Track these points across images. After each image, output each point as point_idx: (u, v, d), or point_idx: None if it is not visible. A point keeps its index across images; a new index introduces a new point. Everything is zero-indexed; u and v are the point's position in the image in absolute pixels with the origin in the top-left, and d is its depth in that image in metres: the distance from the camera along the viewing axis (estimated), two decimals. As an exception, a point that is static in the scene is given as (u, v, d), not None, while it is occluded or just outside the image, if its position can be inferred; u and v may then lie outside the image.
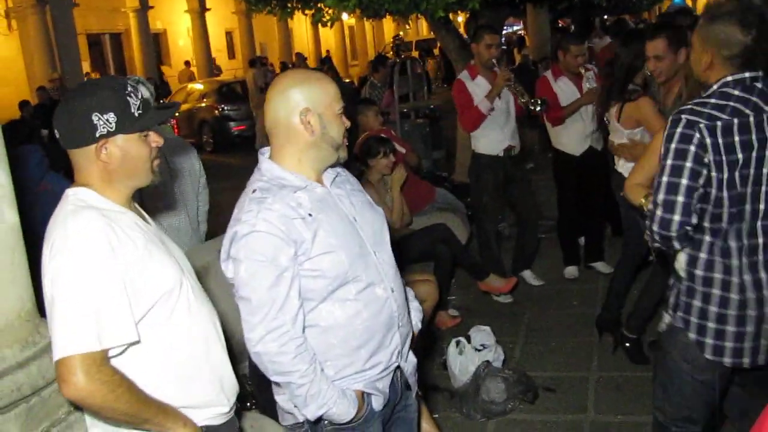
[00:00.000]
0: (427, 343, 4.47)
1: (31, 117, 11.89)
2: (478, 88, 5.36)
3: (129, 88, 1.92)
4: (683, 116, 2.35)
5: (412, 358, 2.40)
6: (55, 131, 1.92)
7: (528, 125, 6.23)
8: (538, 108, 5.29)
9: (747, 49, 2.35)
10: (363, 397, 2.20)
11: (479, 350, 4.28)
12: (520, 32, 20.60)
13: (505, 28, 12.53)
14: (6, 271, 1.95)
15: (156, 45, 24.11)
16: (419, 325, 2.44)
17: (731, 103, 2.35)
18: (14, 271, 1.99)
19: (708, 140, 2.30)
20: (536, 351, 4.64)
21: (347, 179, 2.34)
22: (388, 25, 32.82)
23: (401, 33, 28.44)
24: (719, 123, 2.31)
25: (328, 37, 31.06)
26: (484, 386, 3.96)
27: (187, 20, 24.60)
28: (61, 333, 1.77)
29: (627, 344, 4.31)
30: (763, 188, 2.37)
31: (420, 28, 31.11)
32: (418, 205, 5.48)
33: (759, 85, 2.38)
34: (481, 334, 4.42)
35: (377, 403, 2.25)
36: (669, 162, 2.35)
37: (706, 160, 2.31)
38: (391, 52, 19.82)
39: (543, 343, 4.72)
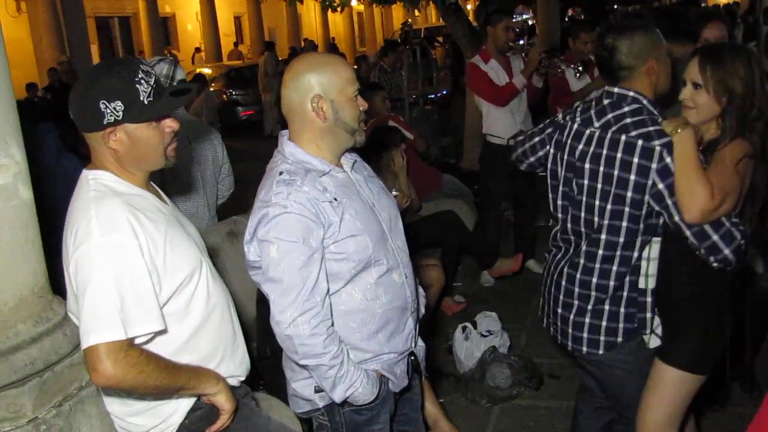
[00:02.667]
0: (432, 329, 4.48)
1: (39, 99, 11.93)
2: (491, 71, 5.38)
3: (140, 75, 1.88)
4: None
5: (422, 343, 2.44)
6: (70, 113, 1.93)
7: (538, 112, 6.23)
8: (578, 75, 5.30)
9: None
10: (381, 377, 2.23)
11: (485, 336, 4.30)
12: (530, 21, 20.50)
13: (514, 16, 12.49)
14: (20, 247, 1.97)
15: (164, 29, 24.06)
16: (423, 311, 2.47)
17: None
18: (28, 248, 2.00)
19: None
20: (542, 338, 4.63)
21: (363, 165, 2.35)
22: (398, 12, 32.69)
23: (409, 20, 28.36)
24: None
25: (337, 23, 30.99)
26: (490, 372, 3.98)
27: (195, 4, 24.53)
28: (88, 322, 1.80)
29: None
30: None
31: (429, 16, 30.99)
32: (426, 191, 5.48)
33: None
34: (488, 320, 4.44)
35: (393, 385, 2.28)
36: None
37: None
38: (400, 40, 19.74)
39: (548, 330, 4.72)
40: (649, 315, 2.53)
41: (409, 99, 8.42)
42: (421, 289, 2.48)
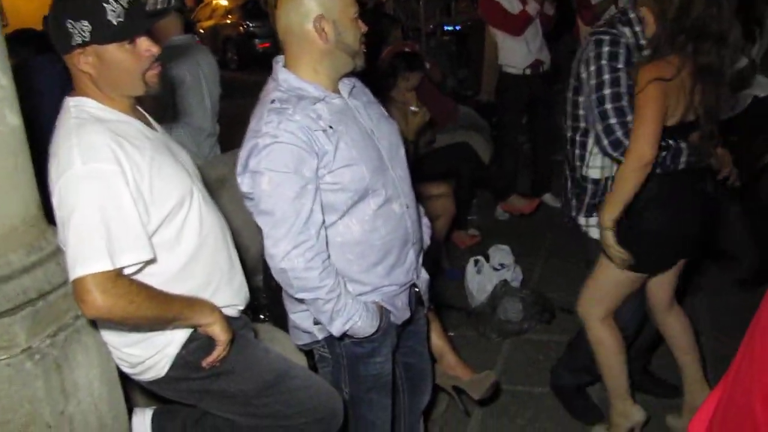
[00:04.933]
0: (438, 258, 4.42)
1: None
2: (504, 1, 5.25)
3: None
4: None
5: (425, 275, 2.38)
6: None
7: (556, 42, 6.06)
8: None
9: None
10: (382, 310, 2.18)
11: (497, 269, 4.26)
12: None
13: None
14: (8, 175, 1.91)
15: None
16: (428, 241, 2.40)
17: None
18: (18, 176, 1.94)
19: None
20: (555, 273, 4.60)
21: (362, 90, 2.25)
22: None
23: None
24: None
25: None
26: (501, 305, 3.95)
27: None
28: (74, 253, 1.74)
29: None
30: None
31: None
32: (442, 122, 5.37)
33: None
34: (501, 253, 4.39)
35: (394, 317, 2.24)
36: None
37: None
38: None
39: (562, 265, 4.66)
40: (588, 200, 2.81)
41: (426, 29, 8.22)
42: (425, 219, 2.41)
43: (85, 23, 1.77)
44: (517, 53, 5.38)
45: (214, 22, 15.78)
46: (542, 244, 5.05)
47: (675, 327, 2.97)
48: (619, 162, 2.54)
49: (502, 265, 4.29)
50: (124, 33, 1.82)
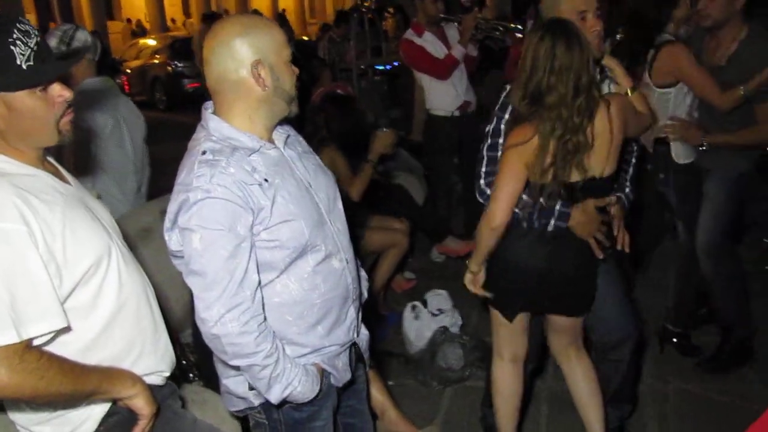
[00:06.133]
0: (375, 304, 4.31)
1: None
2: (427, 44, 5.27)
3: (15, 34, 1.61)
4: None
5: (365, 332, 2.26)
6: None
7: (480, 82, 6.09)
8: (519, 34, 5.24)
9: None
10: (322, 372, 2.05)
11: (436, 315, 4.16)
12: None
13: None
14: None
15: (106, -2, 23.29)
16: (366, 296, 2.28)
17: None
18: None
19: None
20: (494, 315, 4.53)
21: (297, 140, 2.12)
22: (348, -18, 32.18)
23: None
24: None
25: (287, -7, 30.38)
26: (441, 352, 3.85)
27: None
28: None
29: (674, 339, 3.95)
30: None
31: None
32: (375, 165, 5.30)
33: None
34: (438, 298, 4.29)
35: (335, 380, 2.11)
36: None
37: None
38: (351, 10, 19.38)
39: (501, 307, 4.61)
40: None
41: (358, 70, 8.20)
42: (363, 273, 2.30)
43: None
44: (445, 96, 5.38)
45: (142, 62, 15.51)
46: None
47: (574, 374, 2.89)
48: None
49: (440, 311, 4.19)
50: (36, 78, 1.66)
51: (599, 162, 2.47)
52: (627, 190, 2.84)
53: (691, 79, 3.43)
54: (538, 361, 3.12)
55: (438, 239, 5.32)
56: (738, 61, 3.34)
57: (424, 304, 4.22)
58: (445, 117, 5.41)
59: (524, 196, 2.51)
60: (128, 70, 15.35)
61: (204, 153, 1.85)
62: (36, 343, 1.63)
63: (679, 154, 3.61)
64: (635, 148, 2.91)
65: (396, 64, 9.43)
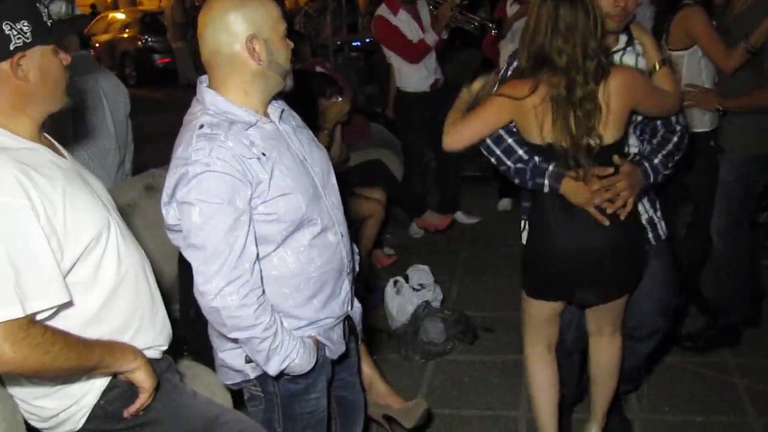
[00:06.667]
0: (366, 277, 4.34)
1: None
2: (402, 23, 5.27)
3: None
4: None
5: (358, 305, 2.29)
6: None
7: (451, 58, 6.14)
8: (494, 31, 5.28)
9: None
10: (317, 344, 2.07)
11: (417, 290, 4.20)
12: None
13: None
14: None
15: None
16: (357, 269, 2.31)
17: None
18: None
19: None
20: (474, 291, 4.60)
21: (291, 114, 2.13)
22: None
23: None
24: None
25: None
26: (423, 327, 3.89)
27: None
28: None
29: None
30: None
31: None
32: (354, 140, 5.31)
33: None
34: (419, 273, 4.33)
35: (330, 352, 2.13)
36: None
37: None
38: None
39: (480, 282, 4.70)
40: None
41: (334, 46, 8.16)
42: (355, 247, 2.32)
43: (25, 23, 1.64)
44: (415, 76, 5.43)
45: (111, 37, 15.22)
46: (457, 261, 5.05)
47: (599, 353, 2.84)
48: None
49: (422, 286, 4.23)
50: (60, 33, 1.73)
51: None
52: (656, 161, 2.57)
53: (699, 38, 3.43)
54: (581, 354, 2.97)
55: (417, 214, 5.36)
56: (742, 19, 3.38)
57: (406, 279, 4.26)
58: (415, 93, 5.45)
59: (520, 152, 2.51)
60: (96, 45, 15.08)
61: (202, 127, 1.86)
62: (39, 318, 1.63)
63: (695, 121, 3.56)
64: (674, 120, 2.64)
65: (369, 40, 9.40)
